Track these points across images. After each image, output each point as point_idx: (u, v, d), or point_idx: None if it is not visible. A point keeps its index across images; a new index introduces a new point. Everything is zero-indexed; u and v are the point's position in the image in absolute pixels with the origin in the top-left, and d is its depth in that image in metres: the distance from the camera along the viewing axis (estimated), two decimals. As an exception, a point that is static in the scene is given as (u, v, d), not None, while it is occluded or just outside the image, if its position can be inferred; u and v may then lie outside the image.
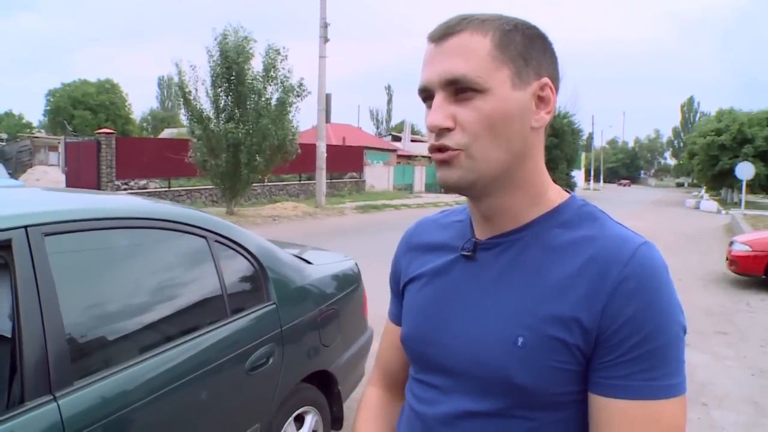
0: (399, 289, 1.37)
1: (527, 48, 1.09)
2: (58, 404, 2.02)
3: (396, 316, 1.40)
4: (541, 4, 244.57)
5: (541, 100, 1.10)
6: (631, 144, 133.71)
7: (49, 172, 31.70)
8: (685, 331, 1.05)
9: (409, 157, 51.26)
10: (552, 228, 1.13)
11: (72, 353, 2.15)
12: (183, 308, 2.79)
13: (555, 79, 1.13)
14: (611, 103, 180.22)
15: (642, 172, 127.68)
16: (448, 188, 1.11)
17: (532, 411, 1.07)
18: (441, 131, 1.07)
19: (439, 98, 1.07)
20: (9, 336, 2.16)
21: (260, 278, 3.12)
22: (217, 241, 2.88)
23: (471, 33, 1.07)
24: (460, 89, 1.06)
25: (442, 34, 1.09)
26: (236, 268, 2.98)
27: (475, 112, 1.05)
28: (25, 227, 2.13)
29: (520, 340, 1.06)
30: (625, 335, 1.00)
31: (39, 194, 3.05)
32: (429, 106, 1.10)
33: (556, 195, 1.17)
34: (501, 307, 1.10)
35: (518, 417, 1.08)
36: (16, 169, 32.51)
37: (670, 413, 1.01)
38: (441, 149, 1.08)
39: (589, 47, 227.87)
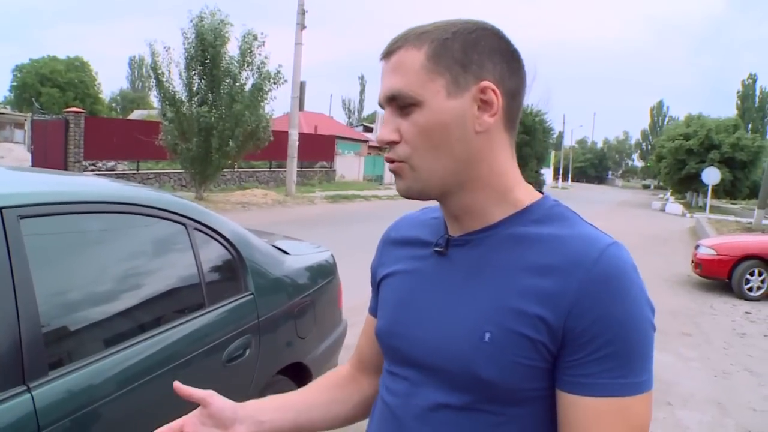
0: (377, 283, 1.39)
1: (467, 53, 1.09)
2: (32, 395, 1.94)
3: (374, 310, 1.42)
4: (517, 3, 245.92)
5: (484, 103, 1.10)
6: (600, 144, 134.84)
7: (14, 150, 31.20)
8: (654, 329, 1.07)
9: (380, 149, 51.22)
10: (522, 226, 1.14)
11: (46, 342, 2.08)
12: (161, 297, 2.73)
13: (503, 79, 1.12)
14: (582, 103, 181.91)
15: (610, 172, 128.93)
16: (403, 196, 1.17)
17: (499, 405, 1.09)
18: (390, 144, 1.13)
19: (387, 113, 1.13)
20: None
21: (238, 268, 3.06)
22: (196, 228, 2.82)
23: (407, 48, 1.10)
24: (401, 104, 1.10)
25: (387, 52, 1.14)
26: (214, 256, 2.92)
27: (413, 125, 1.09)
28: (0, 209, 2.05)
29: (487, 335, 1.07)
30: (592, 334, 1.02)
31: (14, 175, 2.95)
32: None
33: (526, 195, 1.18)
34: (470, 302, 1.12)
35: (486, 411, 1.10)
36: (-20, 145, 31.93)
37: (637, 410, 1.03)
38: (391, 161, 1.14)
39: (565, 47, 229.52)
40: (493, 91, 1.10)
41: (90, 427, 2.14)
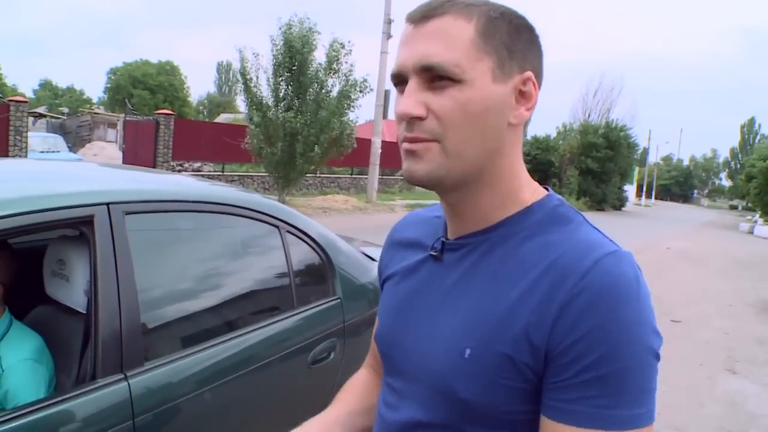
0: (381, 284, 1.34)
1: (513, 39, 1.02)
2: (128, 384, 2.03)
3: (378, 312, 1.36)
4: (604, 14, 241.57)
5: (522, 95, 1.04)
6: (686, 162, 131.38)
7: (107, 149, 32.30)
8: (657, 357, 0.94)
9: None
10: (520, 231, 1.05)
11: (144, 333, 2.16)
12: (253, 297, 2.81)
13: (539, 74, 1.07)
14: (669, 119, 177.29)
15: (695, 191, 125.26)
16: (414, 182, 1.05)
17: (479, 427, 1.01)
18: (412, 120, 1.00)
19: (412, 84, 1.01)
20: (83, 311, 2.18)
21: (327, 272, 3.10)
22: (288, 231, 2.87)
23: (454, 17, 1.00)
24: (436, 77, 0.99)
25: (422, 15, 1.01)
26: (305, 260, 2.97)
27: (453, 101, 0.98)
28: (108, 204, 2.14)
29: (468, 351, 1.00)
30: (576, 355, 0.91)
31: (120, 173, 3.08)
32: (401, 92, 1.04)
33: (530, 194, 1.10)
34: (456, 314, 1.05)
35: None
36: (75, 144, 33.24)
37: None
38: (412, 140, 1.02)
39: (652, 60, 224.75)
40: (534, 83, 1.04)
41: (180, 418, 2.21)
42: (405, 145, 1.03)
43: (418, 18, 1.01)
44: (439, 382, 1.03)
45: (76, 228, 2.13)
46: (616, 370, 0.89)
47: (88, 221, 2.08)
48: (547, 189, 1.14)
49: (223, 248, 2.77)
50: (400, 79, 1.04)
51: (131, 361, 2.07)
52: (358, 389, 1.41)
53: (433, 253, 1.15)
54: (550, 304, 0.94)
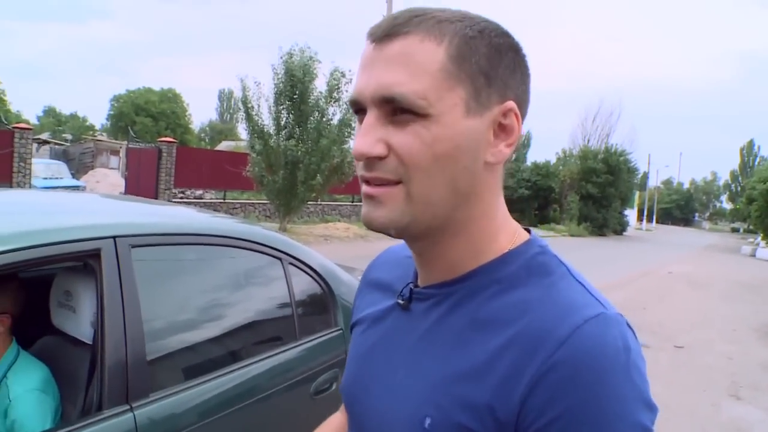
0: (350, 328, 1.20)
1: (492, 62, 0.86)
2: (134, 415, 2.06)
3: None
4: (602, 40, 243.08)
5: (502, 129, 0.89)
6: (686, 185, 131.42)
7: (110, 176, 32.37)
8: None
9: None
10: (490, 284, 0.91)
11: (149, 364, 2.19)
12: (256, 327, 2.84)
13: (523, 103, 0.91)
14: (669, 143, 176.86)
15: (696, 214, 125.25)
16: (374, 229, 0.90)
17: None
18: (369, 161, 0.87)
19: (370, 118, 0.86)
20: (89, 342, 2.21)
21: (329, 303, 3.13)
22: (291, 263, 2.91)
23: (422, 37, 0.84)
24: (398, 109, 0.84)
25: (385, 34, 0.86)
26: (307, 291, 3.00)
27: (417, 140, 0.84)
28: (114, 238, 2.18)
29: (428, 421, 0.86)
30: None
31: (125, 205, 3.13)
32: (360, 122, 0.89)
33: (508, 239, 0.95)
34: (418, 375, 0.92)
35: None
36: (78, 170, 33.35)
37: None
38: (370, 182, 0.88)
39: (650, 85, 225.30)
40: (516, 115, 0.89)
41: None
42: (364, 188, 0.90)
43: (380, 36, 0.86)
44: None
45: (84, 261, 2.18)
46: None
47: (95, 254, 2.12)
48: (529, 231, 1.00)
49: (227, 280, 2.80)
50: (358, 107, 0.90)
51: (137, 393, 2.10)
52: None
53: (401, 302, 1.02)
54: (519, 376, 0.80)
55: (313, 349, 2.92)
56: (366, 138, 0.86)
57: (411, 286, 1.01)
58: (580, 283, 0.90)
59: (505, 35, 0.90)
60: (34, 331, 2.51)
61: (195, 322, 2.57)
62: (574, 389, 0.77)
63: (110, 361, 2.06)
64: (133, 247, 2.23)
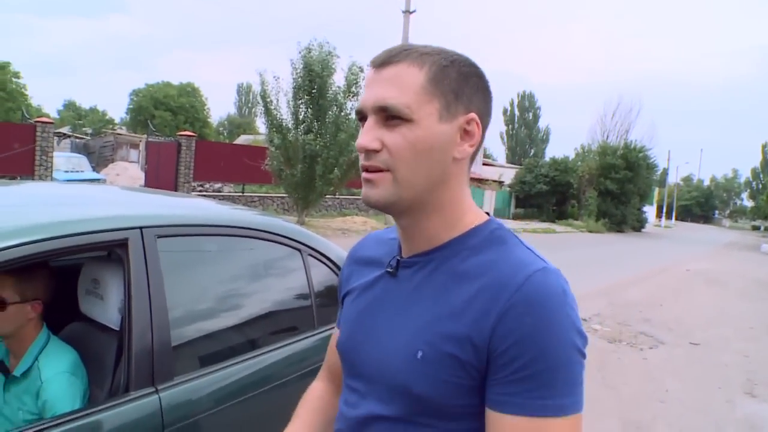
0: (341, 298, 1.47)
1: (460, 84, 1.17)
2: (159, 397, 2.15)
3: (339, 323, 1.49)
4: (622, 36, 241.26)
5: (466, 134, 1.19)
6: (706, 182, 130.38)
7: (129, 169, 32.64)
8: (583, 356, 1.12)
9: (480, 181, 51.03)
10: (462, 250, 1.21)
11: (174, 350, 2.28)
12: (275, 316, 2.92)
13: (484, 115, 1.21)
14: (689, 139, 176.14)
15: (716, 211, 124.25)
16: (370, 205, 1.20)
17: (432, 419, 1.16)
18: (369, 152, 1.16)
19: (370, 122, 1.17)
20: (116, 328, 2.30)
21: (346, 293, 3.19)
22: (310, 254, 2.99)
23: (409, 64, 1.15)
24: (390, 116, 1.14)
25: (382, 62, 1.18)
26: (325, 281, 3.08)
27: (402, 139, 1.14)
28: (141, 228, 2.27)
29: (420, 353, 1.15)
30: (513, 356, 1.07)
31: (149, 197, 3.22)
32: (362, 126, 1.19)
33: (473, 219, 1.25)
34: (409, 322, 1.20)
35: (420, 424, 1.17)
36: (98, 164, 33.62)
37: (556, 431, 1.07)
38: (368, 169, 1.18)
39: (670, 80, 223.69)
40: (477, 123, 1.19)
41: (206, 430, 2.31)
42: (364, 174, 1.19)
43: (379, 64, 1.18)
44: (396, 381, 1.18)
45: (112, 250, 2.26)
46: (546, 368, 1.06)
47: (123, 244, 2.21)
48: (488, 215, 1.29)
49: (247, 270, 2.89)
50: (362, 116, 1.19)
51: (162, 376, 2.19)
52: (315, 405, 1.55)
53: (389, 270, 1.30)
54: (489, 312, 1.10)
55: (331, 338, 2.99)
56: (366, 136, 1.16)
57: (397, 257, 1.29)
58: (528, 248, 1.21)
59: (472, 66, 1.22)
60: (63, 317, 2.59)
61: (217, 310, 2.65)
62: (527, 319, 1.07)
63: (137, 346, 2.15)
64: (159, 237, 2.31)
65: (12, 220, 2.09)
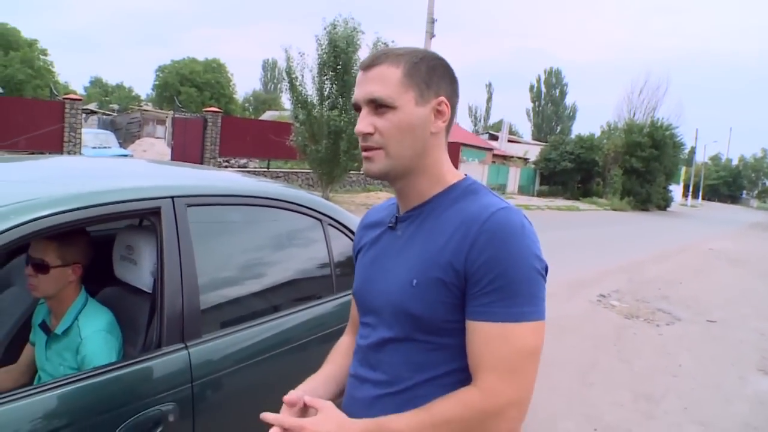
0: (354, 258, 1.80)
1: (429, 75, 1.49)
2: (188, 352, 2.34)
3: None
4: (652, 11, 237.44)
5: (438, 113, 1.51)
6: (735, 162, 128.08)
7: (156, 145, 32.94)
8: (541, 274, 1.40)
9: (505, 157, 50.95)
10: (445, 201, 1.53)
11: (203, 312, 2.47)
12: (296, 282, 3.11)
13: (451, 96, 1.54)
14: (718, 118, 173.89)
15: (744, 192, 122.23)
16: (371, 176, 1.55)
17: (428, 335, 1.46)
18: (365, 136, 1.49)
19: (364, 112, 1.50)
20: (148, 291, 2.49)
21: (363, 261, 3.37)
22: (330, 224, 3.17)
23: (388, 65, 1.48)
24: (378, 106, 1.47)
25: (368, 64, 1.50)
26: (345, 251, 3.25)
27: (389, 122, 1.46)
28: (172, 198, 2.45)
29: (414, 281, 1.46)
30: (482, 274, 1.36)
31: (179, 170, 3.40)
32: (359, 115, 1.52)
33: (453, 177, 1.57)
34: (406, 260, 1.51)
35: (419, 340, 1.47)
36: (125, 140, 33.95)
37: (520, 335, 1.36)
38: (366, 149, 1.50)
39: (700, 57, 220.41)
40: (446, 104, 1.52)
41: (230, 385, 2.50)
42: (363, 153, 1.52)
43: (366, 66, 1.51)
44: (397, 305, 1.49)
45: (146, 218, 2.45)
46: (508, 283, 1.36)
47: (156, 212, 2.39)
48: (465, 175, 1.61)
49: (271, 239, 3.07)
50: (357, 107, 1.53)
51: (191, 333, 2.39)
52: (345, 352, 1.82)
53: (390, 225, 1.62)
54: (463, 242, 1.40)
55: (349, 303, 3.16)
56: (362, 123, 1.50)
57: (396, 215, 1.62)
58: (496, 196, 1.52)
59: (438, 59, 1.55)
60: (98, 282, 2.78)
61: (241, 276, 2.85)
62: (491, 245, 1.37)
63: (169, 306, 2.33)
64: (189, 206, 2.49)
65: (56, 189, 2.27)
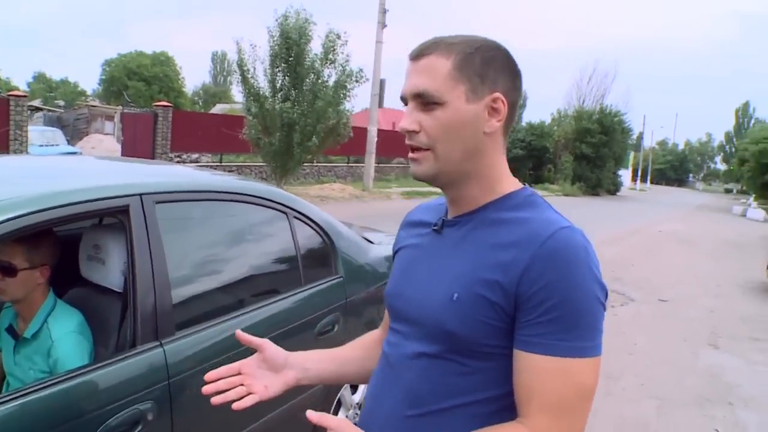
0: (393, 257, 1.65)
1: (484, 67, 1.32)
2: (164, 350, 2.35)
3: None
4: (602, 1, 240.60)
5: (493, 110, 1.33)
6: (681, 146, 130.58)
7: (105, 141, 32.29)
8: (604, 307, 1.26)
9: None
10: (500, 210, 1.36)
11: (174, 308, 2.48)
12: (266, 275, 3.15)
13: (509, 92, 1.35)
14: (664, 103, 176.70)
15: (690, 175, 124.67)
16: (418, 179, 1.40)
17: (464, 357, 1.30)
18: (409, 133, 1.34)
19: (410, 107, 1.35)
20: (119, 290, 2.49)
21: (330, 254, 3.43)
22: (295, 217, 3.20)
23: (437, 55, 1.31)
24: (425, 101, 1.31)
25: (416, 55, 1.35)
26: (310, 243, 3.29)
27: (435, 120, 1.31)
28: (140, 195, 2.45)
29: (455, 295, 1.30)
30: (539, 300, 1.21)
31: (144, 167, 3.40)
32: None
33: (510, 185, 1.41)
34: (449, 270, 1.35)
35: (453, 360, 1.31)
36: (72, 136, 33.21)
37: (579, 370, 1.21)
38: (412, 148, 1.36)
39: (647, 45, 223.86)
40: (502, 101, 1.33)
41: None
42: (410, 153, 1.37)
43: (414, 56, 1.35)
44: (433, 320, 1.34)
45: (114, 216, 2.45)
46: (569, 313, 1.20)
47: (125, 210, 2.39)
48: (523, 183, 1.45)
49: (239, 233, 3.09)
50: (405, 102, 1.37)
51: (165, 331, 2.40)
52: (366, 345, 1.75)
53: (435, 228, 1.46)
54: (518, 261, 1.24)
55: (317, 294, 3.23)
56: (406, 119, 1.34)
57: (443, 218, 1.46)
58: (557, 212, 1.35)
59: (497, 49, 1.36)
60: (64, 283, 2.74)
61: (212, 271, 2.87)
62: (553, 267, 1.22)
63: (142, 304, 2.34)
64: (157, 203, 2.50)
65: (21, 190, 2.24)
